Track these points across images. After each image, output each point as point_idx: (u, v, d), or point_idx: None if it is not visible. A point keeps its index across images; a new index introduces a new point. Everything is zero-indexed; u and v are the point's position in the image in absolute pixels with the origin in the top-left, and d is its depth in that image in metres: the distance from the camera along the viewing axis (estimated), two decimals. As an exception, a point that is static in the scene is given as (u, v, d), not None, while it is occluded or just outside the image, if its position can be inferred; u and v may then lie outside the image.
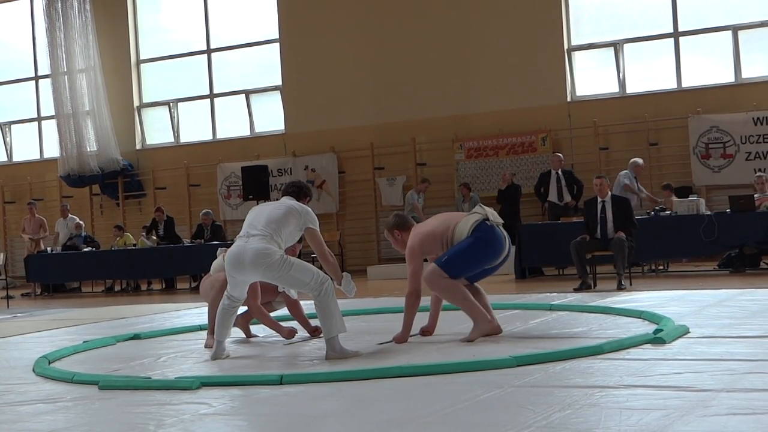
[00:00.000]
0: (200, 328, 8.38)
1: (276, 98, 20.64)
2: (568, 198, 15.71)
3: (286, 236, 6.52)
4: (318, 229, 6.64)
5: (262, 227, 6.46)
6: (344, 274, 6.63)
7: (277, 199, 7.12)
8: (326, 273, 6.55)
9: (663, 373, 4.96)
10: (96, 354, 7.42)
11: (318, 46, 19.84)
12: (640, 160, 15.24)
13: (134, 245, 17.96)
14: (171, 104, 21.74)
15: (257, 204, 14.17)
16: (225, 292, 6.70)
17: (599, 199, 11.59)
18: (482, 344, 6.49)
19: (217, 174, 20.66)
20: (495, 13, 18.35)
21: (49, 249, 18.74)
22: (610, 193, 11.66)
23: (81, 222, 19.41)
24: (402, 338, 6.84)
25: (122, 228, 19.06)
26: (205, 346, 7.22)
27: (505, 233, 6.90)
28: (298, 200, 6.80)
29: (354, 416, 4.42)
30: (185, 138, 21.81)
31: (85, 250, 18.09)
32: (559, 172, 15.83)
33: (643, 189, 15.33)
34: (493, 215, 6.90)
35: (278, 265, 6.33)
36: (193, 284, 16.78)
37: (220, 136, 21.33)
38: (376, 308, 9.49)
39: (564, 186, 15.74)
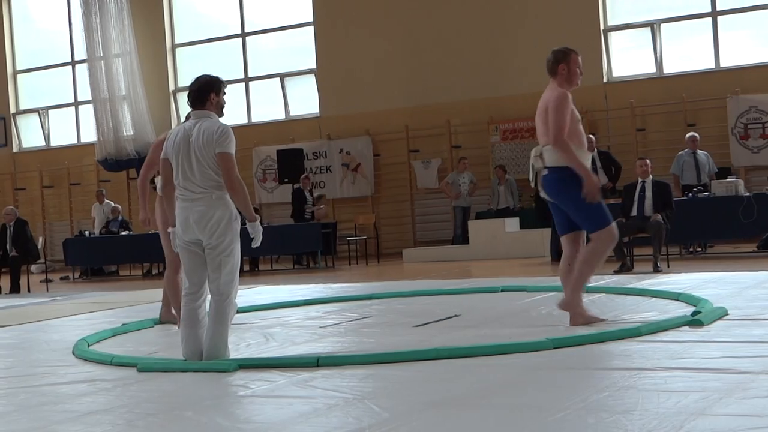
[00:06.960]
0: (238, 310, 8.39)
1: (311, 81, 20.64)
2: (604, 180, 15.53)
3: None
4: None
5: None
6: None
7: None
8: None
9: (701, 356, 4.92)
10: (134, 337, 7.50)
11: (352, 29, 19.81)
12: (690, 134, 14.50)
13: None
14: (206, 88, 21.78)
15: (293, 188, 13.70)
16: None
17: (640, 180, 11.67)
18: (518, 327, 6.47)
19: (252, 157, 20.72)
20: (530, -7, 18.23)
21: (87, 233, 18.90)
22: (651, 176, 11.63)
23: (118, 206, 19.53)
24: (589, 184, 6.69)
25: None
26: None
27: None
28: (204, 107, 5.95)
29: (391, 398, 4.43)
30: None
31: (123, 234, 18.22)
32: (594, 153, 15.68)
33: (708, 160, 14.38)
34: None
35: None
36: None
37: (255, 119, 21.38)
38: (413, 291, 9.48)
39: (600, 168, 15.58)
